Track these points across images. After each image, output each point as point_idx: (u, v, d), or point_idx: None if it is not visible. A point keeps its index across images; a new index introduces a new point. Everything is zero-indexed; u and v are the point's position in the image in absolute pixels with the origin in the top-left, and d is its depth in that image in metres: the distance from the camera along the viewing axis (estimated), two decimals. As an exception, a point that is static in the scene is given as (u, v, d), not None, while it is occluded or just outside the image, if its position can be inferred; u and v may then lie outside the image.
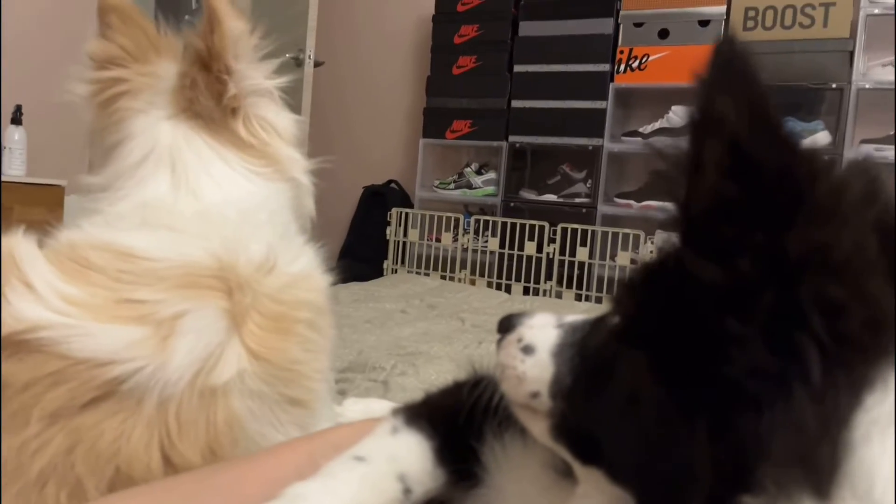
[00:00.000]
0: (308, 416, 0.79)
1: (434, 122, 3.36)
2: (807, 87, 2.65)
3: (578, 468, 0.47)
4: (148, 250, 0.70)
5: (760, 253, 0.35)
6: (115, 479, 0.59)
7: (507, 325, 0.52)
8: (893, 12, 2.46)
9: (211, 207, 0.80)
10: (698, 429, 0.36)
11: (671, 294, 0.39)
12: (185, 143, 0.83)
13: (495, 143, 3.23)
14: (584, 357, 0.46)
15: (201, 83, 0.84)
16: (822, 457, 0.34)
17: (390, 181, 3.73)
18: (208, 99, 0.85)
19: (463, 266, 3.19)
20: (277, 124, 0.91)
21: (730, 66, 0.37)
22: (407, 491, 0.53)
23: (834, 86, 2.56)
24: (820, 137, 2.58)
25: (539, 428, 0.48)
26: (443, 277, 2.99)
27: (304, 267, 0.82)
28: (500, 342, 0.51)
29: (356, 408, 1.00)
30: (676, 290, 0.38)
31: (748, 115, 0.36)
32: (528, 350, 0.49)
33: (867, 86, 2.49)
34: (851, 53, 2.53)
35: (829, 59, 2.57)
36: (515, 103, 3.16)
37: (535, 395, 0.47)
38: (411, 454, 0.55)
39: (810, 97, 2.69)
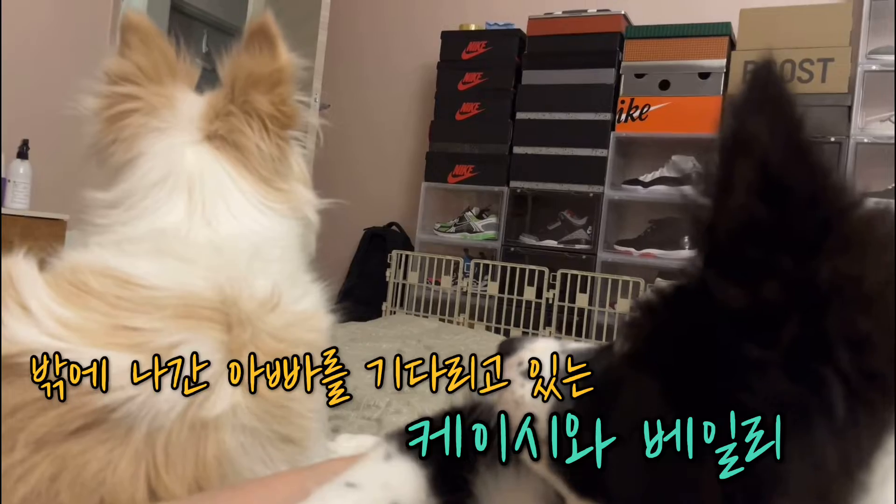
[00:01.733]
0: (300, 453, 0.78)
1: (436, 167, 3.40)
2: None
3: (574, 501, 0.45)
4: (149, 278, 0.70)
5: (787, 278, 0.34)
6: (100, 509, 0.57)
7: (507, 348, 0.51)
8: (893, 69, 2.51)
9: (225, 239, 0.80)
10: (709, 459, 0.35)
11: (690, 318, 0.37)
12: (206, 171, 0.83)
13: (496, 188, 3.26)
14: (588, 381, 0.45)
15: (248, 112, 0.85)
16: (840, 496, 0.33)
17: (391, 223, 3.74)
18: (253, 129, 0.85)
19: (462, 309, 3.18)
20: (295, 163, 0.92)
21: (766, 89, 0.36)
22: None
23: (833, 139, 2.59)
24: (819, 189, 2.59)
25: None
26: (441, 320, 2.97)
27: (308, 306, 0.81)
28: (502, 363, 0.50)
29: (349, 444, 0.98)
30: (695, 313, 0.37)
31: (782, 137, 0.35)
32: (528, 375, 0.48)
33: (865, 140, 2.53)
34: (850, 108, 2.57)
35: (828, 114, 2.61)
36: (517, 149, 3.19)
37: (532, 420, 0.46)
38: (404, 482, 0.54)
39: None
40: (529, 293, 3.01)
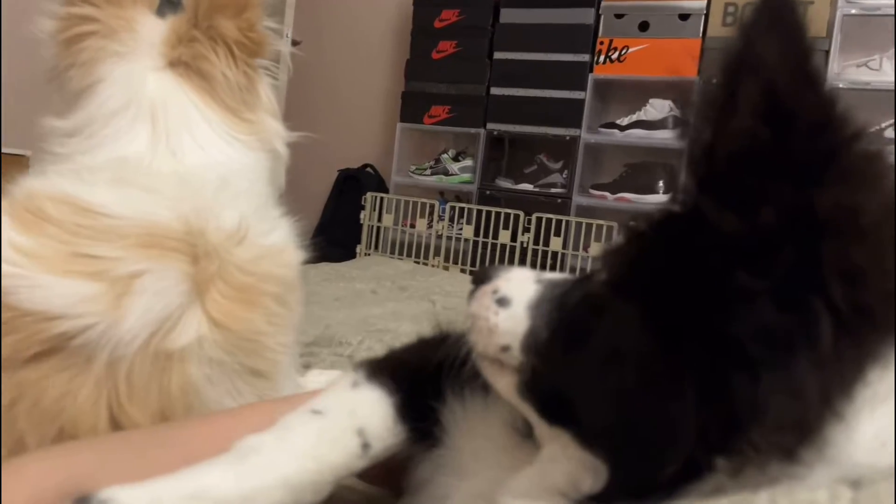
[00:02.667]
0: (269, 387, 0.78)
1: (412, 107, 3.33)
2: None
3: (544, 429, 0.45)
4: (111, 207, 0.68)
5: (785, 206, 0.33)
6: (60, 438, 0.56)
7: (483, 276, 0.50)
8: (871, 14, 2.49)
9: (190, 169, 0.78)
10: (687, 388, 0.35)
11: (678, 244, 0.37)
12: (170, 99, 0.80)
13: (473, 130, 3.22)
14: (565, 311, 0.44)
15: (213, 38, 0.81)
16: (816, 426, 0.33)
17: (366, 165, 3.69)
18: (219, 56, 0.82)
19: (437, 253, 3.18)
20: (263, 94, 0.89)
21: (777, 13, 0.35)
22: (365, 446, 0.52)
23: (809, 84, 2.58)
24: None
25: (506, 383, 0.47)
26: (416, 263, 2.97)
27: (277, 240, 0.80)
28: (473, 292, 0.49)
29: (320, 379, 0.98)
30: (685, 239, 0.36)
31: (791, 62, 0.34)
32: (503, 302, 0.47)
33: (842, 85, 2.52)
34: (827, 53, 2.56)
35: (805, 58, 2.59)
36: (494, 90, 3.14)
37: (505, 348, 0.46)
38: (371, 409, 0.54)
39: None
40: (504, 237, 3.02)
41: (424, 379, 0.56)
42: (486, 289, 0.49)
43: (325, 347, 1.27)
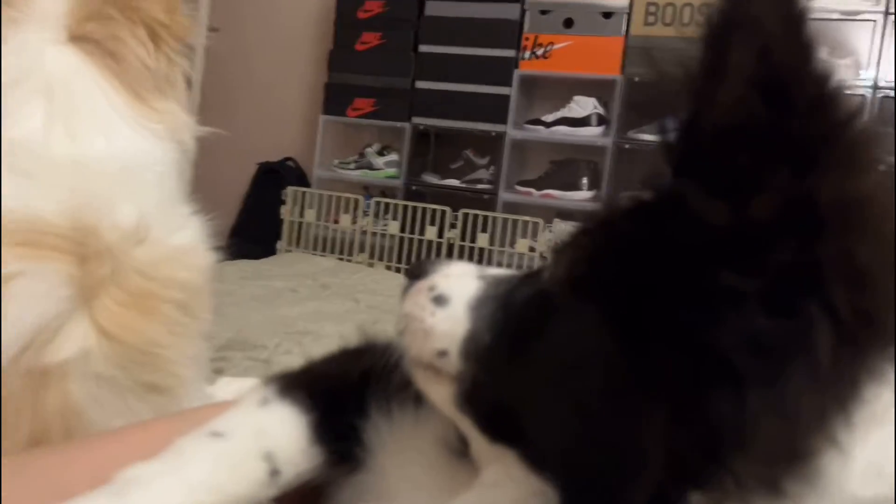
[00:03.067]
0: (170, 404, 0.70)
1: (335, 99, 3.24)
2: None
3: (484, 448, 0.40)
4: (-16, 197, 0.58)
5: (782, 194, 0.29)
6: None
7: (418, 271, 0.44)
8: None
9: (90, 157, 0.69)
10: (657, 406, 0.30)
11: (649, 236, 0.32)
12: (72, 78, 0.71)
13: (398, 124, 3.15)
14: (511, 312, 0.39)
15: (132, 18, 0.74)
16: (811, 453, 0.28)
17: (286, 158, 3.56)
18: (136, 38, 0.75)
19: (361, 249, 3.10)
20: (179, 82, 0.83)
21: None
22: (274, 472, 0.45)
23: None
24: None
25: (442, 394, 0.41)
26: (340, 259, 2.88)
27: (184, 241, 0.73)
28: (407, 289, 0.44)
29: (230, 388, 0.91)
30: (657, 230, 0.31)
31: (788, 26, 0.29)
32: (440, 300, 0.42)
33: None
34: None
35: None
36: (420, 84, 3.09)
37: (442, 353, 0.40)
38: (282, 430, 0.47)
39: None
40: (431, 233, 2.97)
41: (346, 393, 0.51)
42: (422, 285, 0.43)
43: (238, 351, 1.19)
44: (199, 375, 0.80)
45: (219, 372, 1.07)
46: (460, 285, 0.42)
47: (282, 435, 0.47)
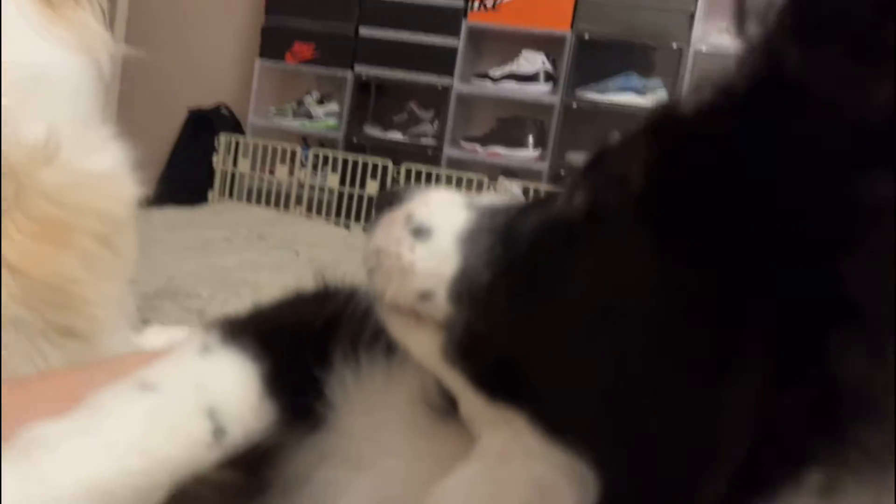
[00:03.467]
0: (88, 351, 0.62)
1: (273, 43, 3.06)
2: (649, 45, 2.72)
3: (479, 409, 0.33)
4: None
5: None
6: None
7: (390, 198, 0.37)
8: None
9: None
10: (750, 360, 0.23)
11: (736, 133, 0.25)
12: None
13: (340, 73, 3.01)
14: (517, 245, 0.33)
15: None
16: None
17: (219, 105, 3.36)
18: None
19: (298, 202, 2.97)
20: None
21: None
22: (219, 432, 0.38)
23: (674, 46, 2.64)
24: (659, 96, 2.66)
25: (425, 344, 0.35)
26: (278, 211, 2.75)
27: (102, 166, 0.66)
28: (378, 219, 0.37)
29: (160, 338, 0.82)
30: (762, 124, 0.25)
31: None
32: (420, 233, 0.35)
33: (704, 49, 2.60)
34: (692, 15, 2.61)
35: (671, 19, 2.64)
36: (363, 31, 2.95)
37: (425, 295, 0.34)
38: (228, 382, 0.40)
39: (651, 56, 2.77)
40: (372, 187, 2.87)
41: (303, 341, 0.43)
42: (397, 215, 0.36)
43: (169, 301, 1.09)
44: (122, 321, 0.72)
45: (147, 322, 0.97)
46: (446, 216, 0.36)
47: (227, 388, 0.40)
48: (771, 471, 0.24)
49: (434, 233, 0.35)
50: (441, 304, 0.34)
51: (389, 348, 0.40)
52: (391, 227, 0.36)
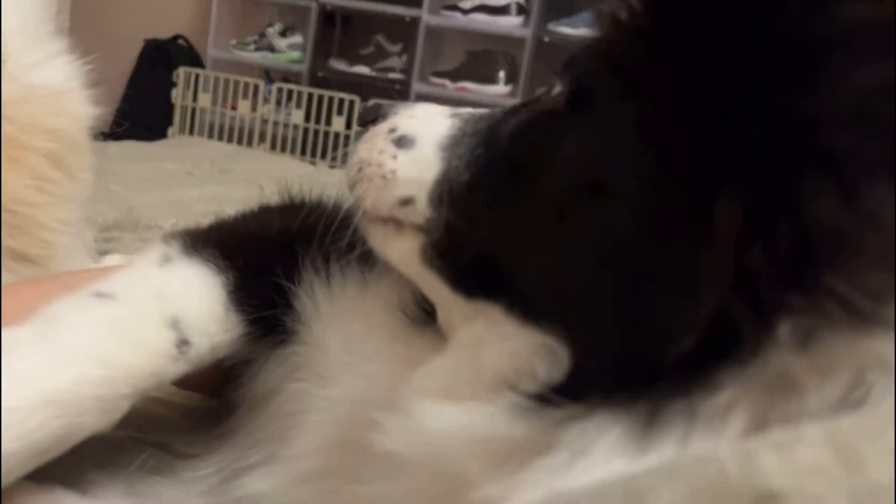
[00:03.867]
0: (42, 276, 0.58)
1: (232, -30, 2.91)
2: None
3: (457, 310, 0.34)
4: None
5: None
6: None
7: (375, 113, 0.38)
8: None
9: None
10: (721, 207, 0.23)
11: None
12: None
13: (303, 3, 2.88)
14: (498, 144, 0.34)
15: None
16: None
17: (177, 36, 3.21)
18: None
19: (262, 139, 2.88)
20: None
21: None
22: (183, 343, 0.37)
23: None
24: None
25: (404, 248, 0.35)
26: (240, 147, 2.66)
27: (53, 81, 0.62)
28: (361, 133, 0.39)
29: (119, 265, 0.77)
30: None
31: None
32: (403, 142, 0.36)
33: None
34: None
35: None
36: (329, -42, 2.82)
37: (406, 201, 0.35)
38: (191, 292, 0.39)
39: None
40: (338, 124, 2.79)
41: (271, 253, 0.43)
42: (381, 128, 0.38)
43: (128, 232, 1.04)
44: (79, 248, 0.68)
45: (105, 254, 0.93)
46: (428, 125, 0.37)
47: (190, 299, 0.39)
48: (743, 324, 0.23)
49: (416, 141, 0.36)
50: (421, 209, 0.34)
51: (363, 259, 0.40)
52: (374, 139, 0.37)
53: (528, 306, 0.30)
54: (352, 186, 0.38)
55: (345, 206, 0.42)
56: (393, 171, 0.35)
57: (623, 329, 0.26)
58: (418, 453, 0.29)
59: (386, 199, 0.36)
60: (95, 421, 0.33)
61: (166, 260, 0.40)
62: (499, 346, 0.30)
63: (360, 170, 0.37)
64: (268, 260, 0.42)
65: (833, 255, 0.22)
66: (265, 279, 0.41)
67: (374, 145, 0.37)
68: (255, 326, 0.41)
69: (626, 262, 0.26)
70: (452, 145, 0.35)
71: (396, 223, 0.36)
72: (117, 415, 0.34)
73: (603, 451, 0.24)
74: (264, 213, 0.48)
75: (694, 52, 0.26)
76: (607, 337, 0.27)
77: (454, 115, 0.37)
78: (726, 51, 0.25)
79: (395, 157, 0.36)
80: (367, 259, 0.40)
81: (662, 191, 0.25)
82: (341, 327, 0.40)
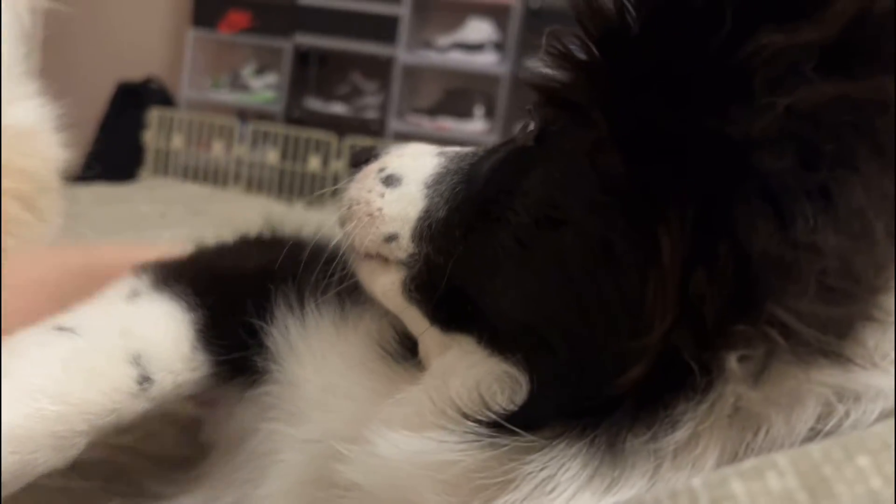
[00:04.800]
0: None
1: (206, 11, 2.93)
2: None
3: (434, 339, 0.34)
4: None
5: None
6: None
7: (365, 156, 0.39)
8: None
9: None
10: (667, 238, 0.23)
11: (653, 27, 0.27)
12: None
13: (278, 43, 2.91)
14: (476, 179, 0.35)
15: None
16: (875, 277, 0.22)
17: (148, 79, 3.21)
18: None
19: (237, 180, 2.87)
20: None
21: None
22: (144, 380, 0.36)
23: None
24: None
25: (387, 282, 0.36)
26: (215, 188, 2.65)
27: (24, 121, 0.60)
28: (353, 174, 0.39)
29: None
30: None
31: None
32: (391, 181, 0.37)
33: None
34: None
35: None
36: (303, -1, 2.85)
37: (391, 238, 0.35)
38: (157, 329, 0.37)
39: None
40: (315, 163, 2.79)
41: (245, 291, 0.41)
42: (371, 168, 0.38)
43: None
44: None
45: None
46: (415, 164, 0.38)
47: (156, 335, 0.37)
48: (689, 353, 0.23)
49: (403, 180, 0.37)
50: (405, 244, 0.35)
51: (341, 296, 0.40)
52: (364, 179, 0.38)
53: (494, 336, 0.30)
54: (342, 224, 0.38)
55: (326, 243, 0.42)
56: (380, 209, 0.36)
57: (577, 357, 0.26)
58: (377, 483, 0.29)
59: (372, 236, 0.36)
60: (49, 457, 0.32)
61: (134, 294, 0.39)
62: (464, 375, 0.31)
63: (349, 208, 0.38)
64: (241, 298, 0.41)
65: (773, 283, 0.22)
66: (237, 318, 0.40)
67: (364, 185, 0.38)
68: (224, 367, 0.40)
69: (578, 290, 0.27)
70: (437, 183, 0.36)
71: (382, 260, 0.36)
72: (73, 452, 0.33)
73: (567, 486, 0.24)
74: (242, 246, 0.48)
75: (632, 83, 0.27)
76: (563, 365, 0.27)
77: (441, 154, 0.38)
78: (661, 81, 0.26)
79: (382, 195, 0.37)
80: (347, 295, 0.40)
81: (609, 219, 0.26)
82: (316, 364, 0.39)
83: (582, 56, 0.30)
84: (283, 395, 0.39)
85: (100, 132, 3.16)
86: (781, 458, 0.20)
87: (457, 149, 0.39)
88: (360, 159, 0.40)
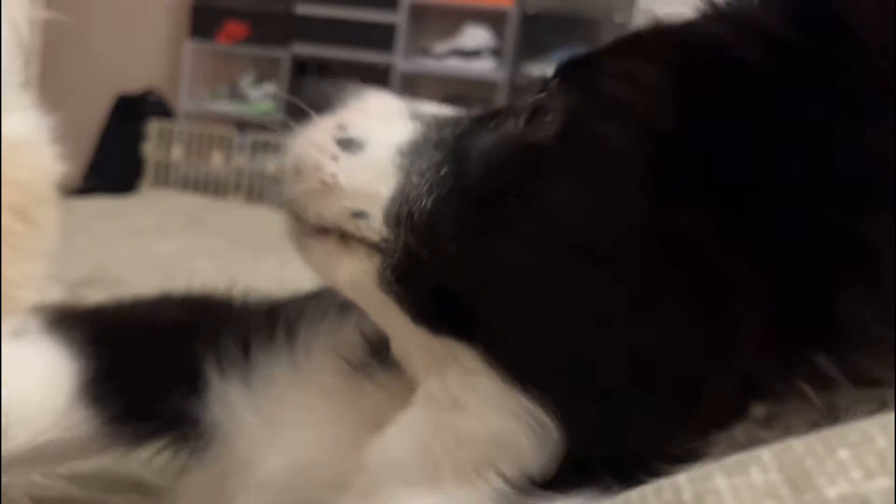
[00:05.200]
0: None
1: (204, 23, 2.92)
2: (593, 18, 2.71)
3: (420, 339, 0.29)
4: None
5: None
6: None
7: (321, 101, 0.32)
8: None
9: None
10: (741, 302, 0.23)
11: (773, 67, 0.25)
12: None
13: (276, 53, 2.90)
14: (469, 165, 0.29)
15: None
16: None
17: (147, 91, 3.21)
18: None
19: (237, 190, 2.86)
20: None
21: None
22: None
23: (616, 19, 2.64)
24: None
25: (356, 269, 0.30)
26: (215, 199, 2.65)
27: (18, 132, 0.60)
28: (301, 126, 0.32)
29: None
30: (786, 60, 0.24)
31: None
32: (351, 145, 0.30)
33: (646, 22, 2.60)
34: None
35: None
36: (300, 8, 2.85)
37: (358, 214, 0.30)
38: (29, 375, 0.33)
39: (596, 29, 2.77)
40: (314, 171, 2.79)
41: (152, 343, 0.38)
42: (327, 123, 0.31)
43: (96, 289, 1.02)
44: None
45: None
46: (384, 127, 0.31)
47: (28, 380, 0.33)
48: (733, 405, 0.23)
49: (367, 146, 0.31)
50: (377, 226, 0.29)
51: (290, 338, 0.35)
52: (316, 133, 0.31)
53: (507, 359, 0.26)
54: (288, 190, 0.32)
55: (253, 306, 0.38)
56: (333, 176, 0.30)
57: (620, 409, 0.24)
58: None
59: (335, 207, 0.30)
60: None
61: (20, 332, 0.35)
62: (479, 414, 0.26)
63: (296, 168, 0.31)
64: (148, 351, 0.37)
65: (844, 343, 0.22)
66: (140, 372, 0.36)
67: (314, 141, 0.31)
68: (122, 426, 0.35)
69: (624, 340, 0.24)
70: (413, 155, 0.30)
71: (343, 240, 0.30)
72: None
73: None
74: (161, 303, 0.43)
75: (728, 152, 0.25)
76: (604, 416, 0.24)
77: (416, 117, 0.32)
78: (791, 138, 0.24)
79: (335, 158, 0.30)
80: (293, 337, 0.36)
81: (672, 269, 0.24)
82: (256, 404, 0.35)
83: (672, 110, 0.26)
84: (226, 446, 0.35)
85: (99, 144, 3.16)
86: (765, 453, 0.20)
87: (434, 111, 0.33)
88: (314, 104, 0.32)
